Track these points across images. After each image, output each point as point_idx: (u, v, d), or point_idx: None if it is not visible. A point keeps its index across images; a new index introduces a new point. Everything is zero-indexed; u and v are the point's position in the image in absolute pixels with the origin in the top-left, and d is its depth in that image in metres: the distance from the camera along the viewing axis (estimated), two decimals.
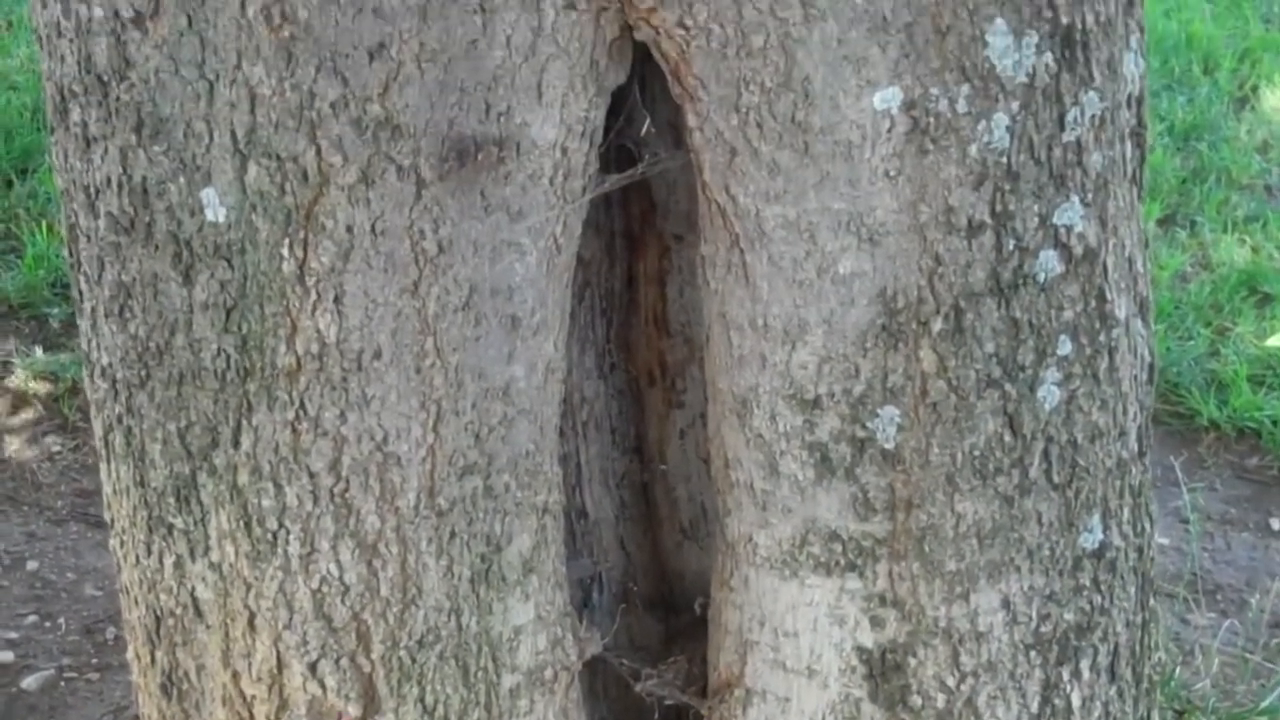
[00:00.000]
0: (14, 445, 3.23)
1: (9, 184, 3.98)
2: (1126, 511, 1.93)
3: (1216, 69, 4.88)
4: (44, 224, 3.79)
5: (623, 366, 2.14)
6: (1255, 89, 4.81)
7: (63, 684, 2.93)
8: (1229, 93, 4.78)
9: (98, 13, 1.68)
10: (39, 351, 3.45)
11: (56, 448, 3.23)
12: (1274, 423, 3.44)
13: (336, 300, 1.69)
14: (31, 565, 3.09)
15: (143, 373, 1.80)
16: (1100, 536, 1.90)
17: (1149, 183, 4.43)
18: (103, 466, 1.95)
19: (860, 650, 1.87)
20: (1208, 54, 4.96)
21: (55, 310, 3.56)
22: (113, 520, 1.97)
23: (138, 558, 1.91)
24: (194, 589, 1.87)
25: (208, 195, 1.68)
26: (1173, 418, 3.49)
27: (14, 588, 3.06)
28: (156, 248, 1.73)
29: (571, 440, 2.10)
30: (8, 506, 3.15)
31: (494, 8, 1.60)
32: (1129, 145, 1.85)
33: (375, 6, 1.58)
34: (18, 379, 3.40)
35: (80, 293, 1.86)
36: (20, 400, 3.35)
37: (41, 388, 3.40)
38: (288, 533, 1.79)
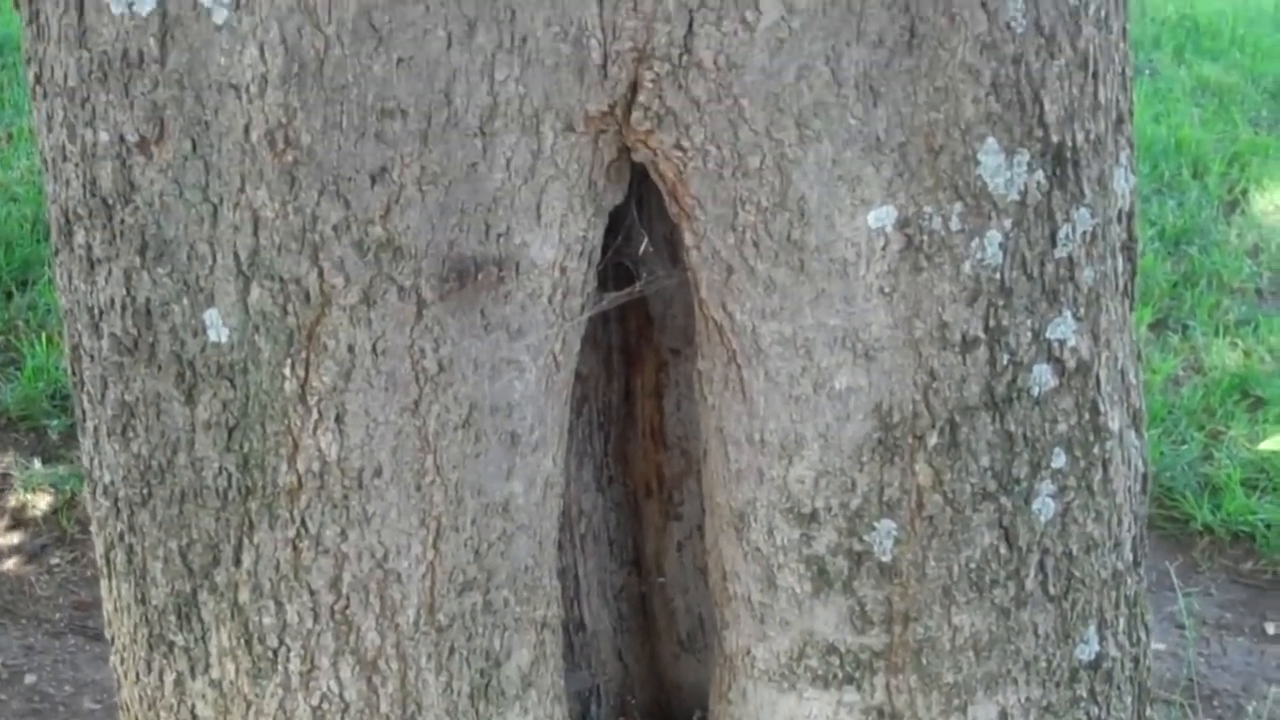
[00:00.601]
0: (12, 558, 3.23)
1: (8, 296, 4.00)
2: (1122, 622, 1.94)
3: (1206, 173, 4.92)
4: (43, 336, 3.81)
5: (620, 479, 2.15)
6: (1245, 193, 4.84)
7: None
8: (1219, 197, 4.81)
9: (103, 138, 1.70)
10: (38, 464, 3.46)
11: (55, 560, 3.23)
12: (1268, 527, 3.45)
13: (338, 419, 1.70)
14: (29, 679, 3.08)
15: (145, 491, 1.81)
16: (1096, 648, 1.91)
17: (1140, 287, 4.45)
18: (103, 583, 1.96)
19: None
20: (1197, 158, 5.00)
21: (54, 422, 3.58)
22: (113, 637, 1.97)
23: (138, 675, 1.92)
24: (194, 706, 1.87)
25: (211, 316, 1.70)
26: (1167, 522, 3.50)
27: (12, 701, 3.05)
28: (159, 368, 1.74)
29: (570, 553, 2.11)
30: (6, 619, 3.14)
31: (494, 131, 1.62)
32: (1120, 259, 1.87)
33: (377, 131, 1.61)
34: (16, 491, 3.41)
35: (83, 411, 1.87)
36: (19, 512, 3.36)
37: (40, 500, 3.40)
38: (288, 650, 1.79)
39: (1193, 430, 3.74)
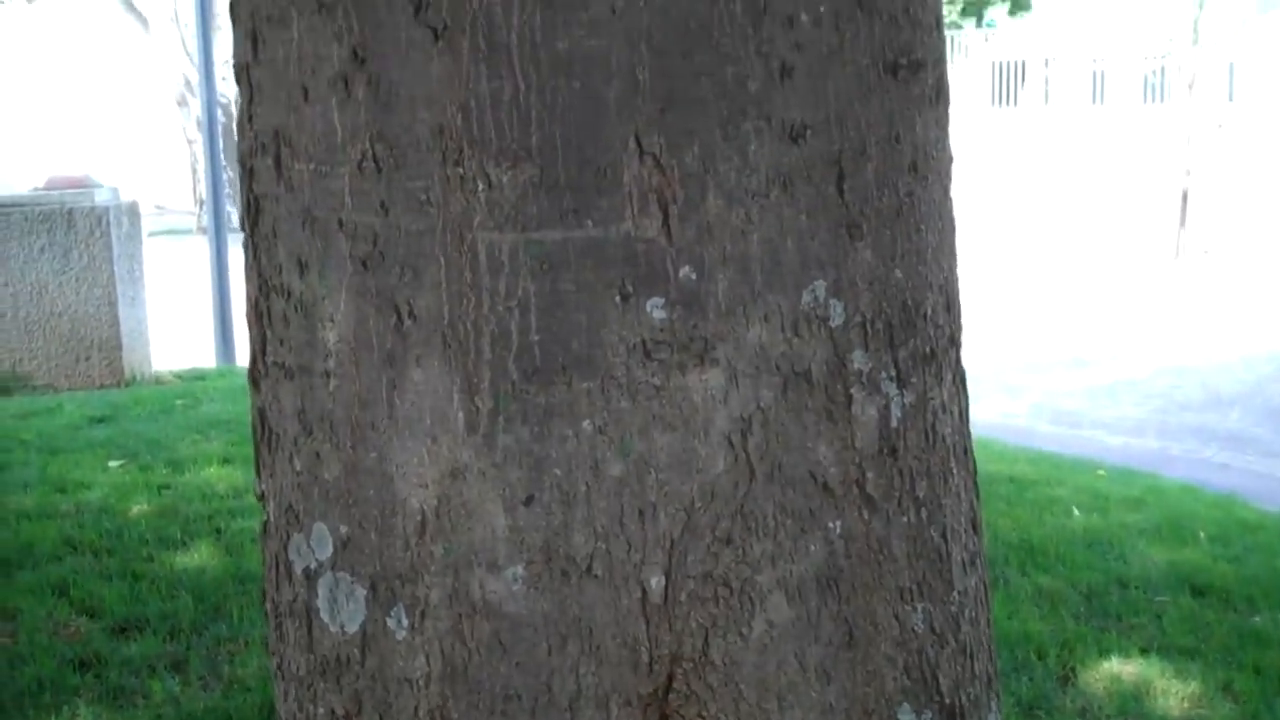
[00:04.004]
0: None
1: None
2: None
3: (1046, 656, 4.86)
4: None
5: None
6: (1074, 669, 4.78)
7: None
8: (1055, 672, 4.75)
9: (320, 711, 1.72)
10: None
11: None
12: None
13: None
14: None
15: None
16: None
17: None
18: None
19: None
20: (1039, 645, 4.95)
21: None
22: None
23: None
24: None
25: None
26: None
27: None
28: None
29: None
30: None
31: (579, 707, 1.61)
32: None
33: (502, 710, 1.61)
34: None
35: None
36: None
37: None
38: None
39: None
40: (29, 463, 7.09)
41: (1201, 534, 6.85)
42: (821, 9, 1.54)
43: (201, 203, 24.38)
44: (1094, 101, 26.70)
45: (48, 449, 7.42)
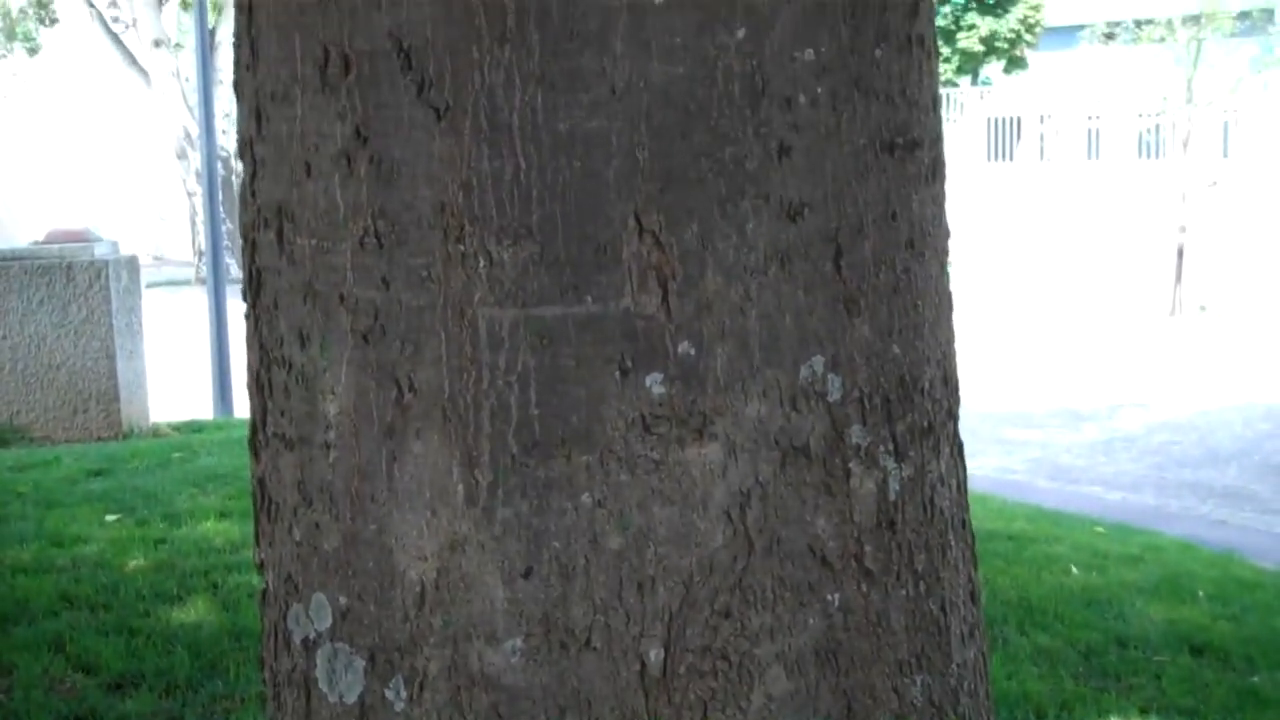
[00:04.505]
0: None
1: None
2: None
3: (1045, 716, 4.83)
4: None
5: None
6: None
7: None
8: None
9: None
10: None
11: None
12: None
13: None
14: None
15: None
16: None
17: None
18: None
19: None
20: (1038, 705, 4.92)
21: None
22: None
23: None
24: None
25: None
26: None
27: None
28: None
29: None
30: None
31: None
32: None
33: None
34: None
35: None
36: None
37: None
38: None
39: None
40: (26, 516, 7.07)
41: (1200, 592, 6.83)
42: (819, 90, 1.57)
43: (201, 254, 24.48)
44: (1089, 158, 26.87)
45: (44, 502, 7.40)
